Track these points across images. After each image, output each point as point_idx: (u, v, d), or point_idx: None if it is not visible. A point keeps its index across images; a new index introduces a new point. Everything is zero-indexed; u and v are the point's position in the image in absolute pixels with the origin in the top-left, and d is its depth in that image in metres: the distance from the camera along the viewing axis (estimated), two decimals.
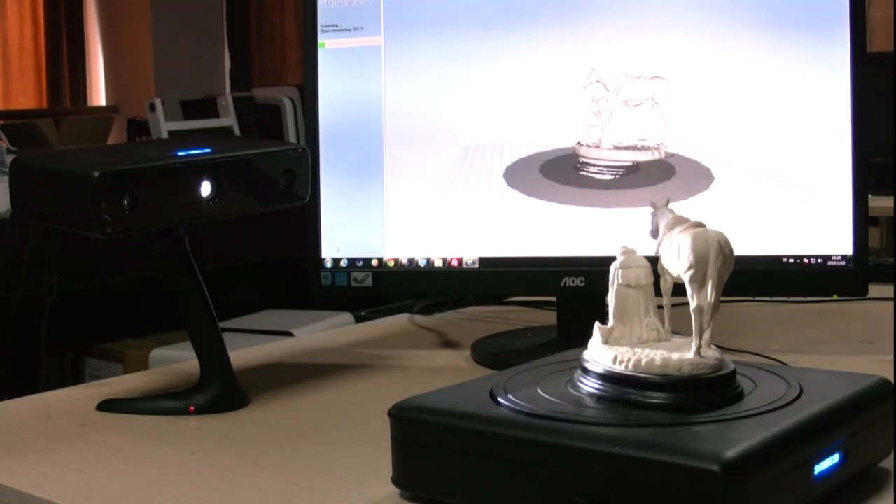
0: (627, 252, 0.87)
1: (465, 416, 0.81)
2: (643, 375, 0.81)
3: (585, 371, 0.84)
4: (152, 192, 1.03)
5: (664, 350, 0.83)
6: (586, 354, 0.85)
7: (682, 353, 0.82)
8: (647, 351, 0.82)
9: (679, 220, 0.85)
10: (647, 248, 0.88)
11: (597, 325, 0.86)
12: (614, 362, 0.82)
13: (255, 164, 1.13)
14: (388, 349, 1.39)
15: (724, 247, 0.82)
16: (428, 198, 1.31)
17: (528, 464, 0.76)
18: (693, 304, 0.82)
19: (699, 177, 1.26)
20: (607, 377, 0.82)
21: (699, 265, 0.81)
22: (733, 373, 0.83)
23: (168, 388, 1.19)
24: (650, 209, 0.89)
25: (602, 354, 0.84)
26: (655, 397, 0.80)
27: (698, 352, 0.82)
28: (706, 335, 0.83)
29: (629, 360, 0.82)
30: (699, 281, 0.82)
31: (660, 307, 0.88)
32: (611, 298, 0.87)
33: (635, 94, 1.26)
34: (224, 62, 7.02)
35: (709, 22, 1.26)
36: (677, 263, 0.83)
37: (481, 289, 1.39)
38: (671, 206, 0.88)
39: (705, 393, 0.80)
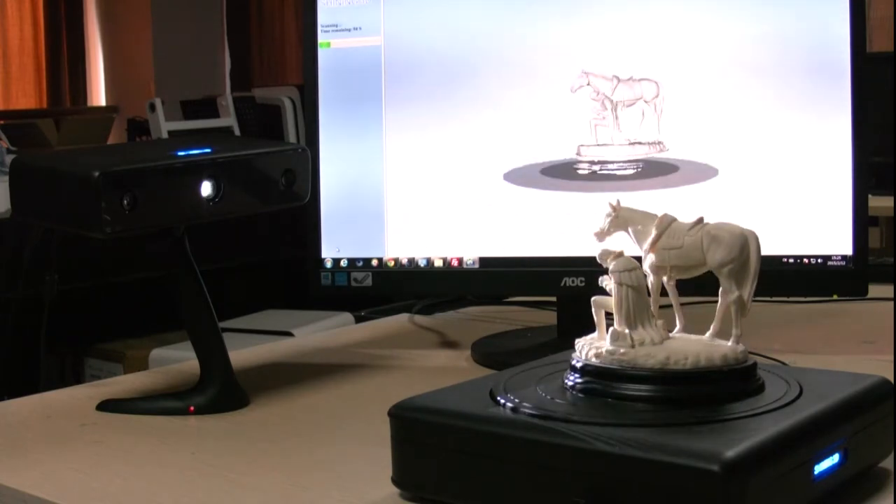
0: (619, 255, 0.87)
1: (465, 416, 0.81)
2: (643, 374, 0.81)
3: (585, 371, 0.84)
4: (152, 192, 1.03)
5: (666, 348, 0.83)
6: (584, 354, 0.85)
7: (687, 350, 0.82)
8: (647, 349, 0.82)
9: (667, 217, 0.87)
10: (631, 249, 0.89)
11: (611, 329, 0.86)
12: (614, 362, 0.83)
13: (255, 164, 1.13)
14: (388, 349, 1.39)
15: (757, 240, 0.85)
16: (428, 198, 1.31)
17: (527, 464, 0.76)
18: (733, 296, 0.84)
19: (699, 177, 1.26)
20: (593, 373, 0.83)
21: (740, 257, 0.83)
22: (754, 366, 0.84)
23: (168, 388, 1.19)
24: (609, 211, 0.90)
25: (601, 354, 0.84)
26: (655, 395, 0.80)
27: (738, 339, 0.83)
28: (737, 328, 0.84)
29: (629, 359, 0.82)
30: (737, 272, 0.84)
31: (665, 307, 0.88)
32: (615, 301, 0.87)
33: (631, 94, 1.26)
34: (224, 62, 7.02)
35: (707, 21, 1.26)
36: (714, 256, 0.84)
37: (481, 289, 1.39)
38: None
39: (725, 385, 0.81)
